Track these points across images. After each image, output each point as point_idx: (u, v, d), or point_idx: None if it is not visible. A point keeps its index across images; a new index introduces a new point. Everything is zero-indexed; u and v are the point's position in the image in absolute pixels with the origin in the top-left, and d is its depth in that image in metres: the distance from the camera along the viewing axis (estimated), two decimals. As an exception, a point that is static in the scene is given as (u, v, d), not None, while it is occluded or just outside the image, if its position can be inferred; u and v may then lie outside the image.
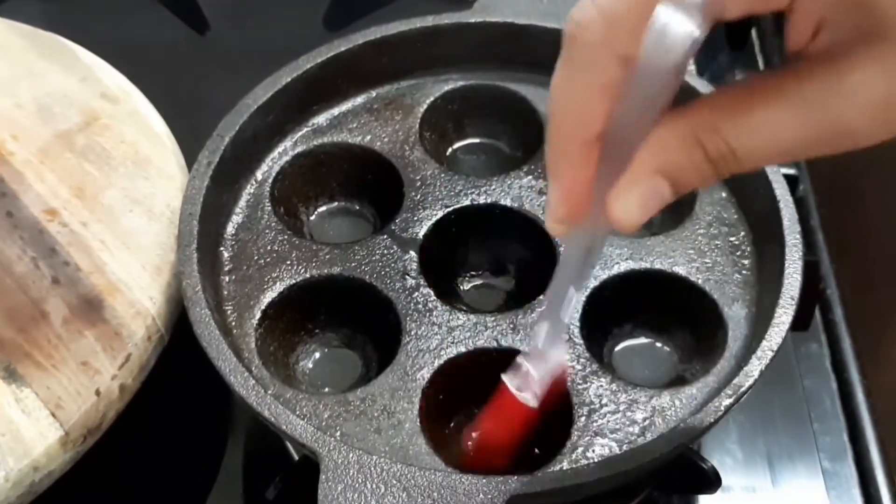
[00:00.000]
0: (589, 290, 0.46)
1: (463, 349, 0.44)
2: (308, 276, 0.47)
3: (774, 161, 0.28)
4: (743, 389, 0.40)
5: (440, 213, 0.49)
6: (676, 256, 0.47)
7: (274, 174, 0.51)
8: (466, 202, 0.50)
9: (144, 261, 0.48)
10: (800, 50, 0.28)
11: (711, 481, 0.46)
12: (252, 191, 0.51)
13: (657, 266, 0.47)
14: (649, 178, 0.28)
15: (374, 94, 0.55)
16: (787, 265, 0.44)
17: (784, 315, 0.42)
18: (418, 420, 0.42)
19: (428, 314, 0.45)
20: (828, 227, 0.59)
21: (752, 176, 0.47)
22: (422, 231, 0.49)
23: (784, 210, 0.46)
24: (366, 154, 0.52)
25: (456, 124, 0.55)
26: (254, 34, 0.70)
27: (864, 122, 0.27)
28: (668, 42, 0.26)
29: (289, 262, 0.47)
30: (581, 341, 0.44)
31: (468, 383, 0.43)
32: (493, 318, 0.45)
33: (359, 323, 0.47)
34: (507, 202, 0.50)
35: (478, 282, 0.51)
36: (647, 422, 0.42)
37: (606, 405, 0.43)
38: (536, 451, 0.42)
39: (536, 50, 0.52)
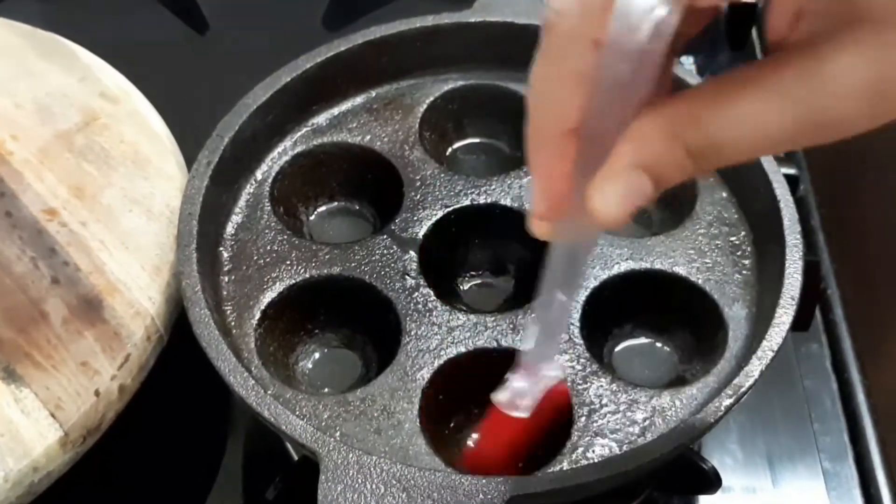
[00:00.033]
0: (589, 291, 0.46)
1: (463, 349, 0.44)
2: (308, 276, 0.47)
3: (757, 153, 0.28)
4: (743, 390, 0.40)
5: (440, 213, 0.49)
6: (677, 256, 0.47)
7: (273, 174, 0.51)
8: (466, 202, 0.50)
9: (144, 261, 0.48)
10: (780, 40, 0.28)
11: (712, 482, 0.46)
12: (252, 191, 0.51)
13: (657, 266, 0.47)
14: (629, 171, 0.28)
15: (373, 93, 0.55)
16: (787, 265, 0.44)
17: (784, 315, 0.42)
18: (418, 420, 0.42)
19: (428, 314, 0.45)
20: (828, 227, 0.59)
21: (753, 175, 0.47)
22: (422, 231, 0.49)
23: (784, 210, 0.46)
24: (365, 154, 0.52)
25: (456, 124, 0.55)
26: (253, 34, 0.70)
27: (848, 110, 0.26)
28: (633, 19, 0.25)
29: (288, 263, 0.47)
30: (581, 341, 0.44)
31: (468, 383, 0.43)
32: (493, 318, 0.45)
33: (358, 323, 0.47)
34: (507, 202, 0.49)
35: (478, 282, 0.51)
36: (648, 422, 0.42)
37: (606, 405, 0.42)
38: (538, 453, 0.42)
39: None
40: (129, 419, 0.45)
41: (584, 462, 0.41)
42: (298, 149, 0.52)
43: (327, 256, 0.48)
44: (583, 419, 0.42)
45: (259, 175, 0.51)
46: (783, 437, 0.51)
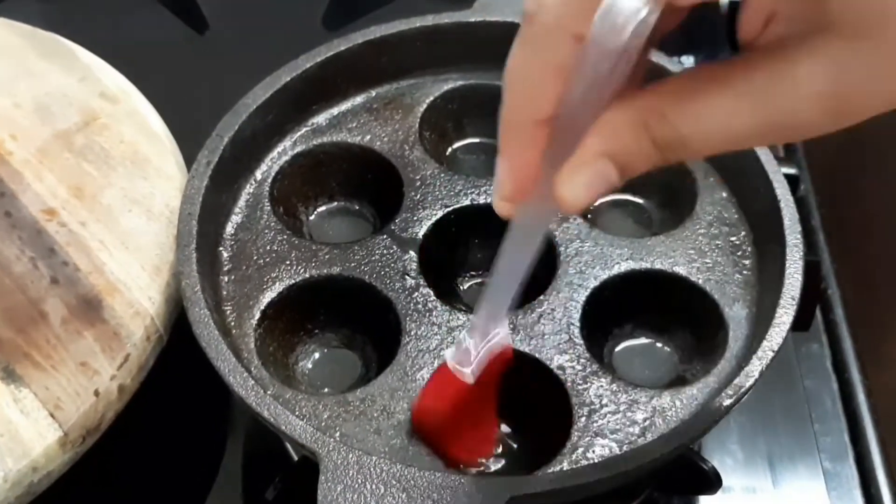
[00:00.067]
0: (589, 291, 0.46)
1: (463, 349, 0.44)
2: (307, 276, 0.47)
3: (722, 149, 0.28)
4: (744, 390, 0.40)
5: (440, 213, 0.49)
6: (677, 256, 0.47)
7: (273, 174, 0.51)
8: (466, 202, 0.50)
9: (143, 261, 0.48)
10: (751, 41, 0.28)
11: (712, 482, 0.46)
12: (251, 190, 0.50)
13: (657, 266, 0.47)
14: (596, 160, 0.29)
15: (373, 93, 0.54)
16: (787, 265, 0.44)
17: (785, 315, 0.42)
18: (417, 420, 0.42)
19: (428, 314, 0.45)
20: (829, 227, 0.59)
21: (753, 175, 0.47)
22: (421, 231, 0.48)
23: (785, 210, 0.46)
24: (365, 154, 0.52)
25: (456, 124, 0.55)
26: (253, 34, 0.70)
27: (811, 114, 0.27)
28: (616, 20, 0.26)
29: (288, 262, 0.47)
30: (581, 342, 0.44)
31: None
32: (492, 319, 0.45)
33: (358, 323, 0.47)
34: (507, 202, 0.49)
35: (478, 282, 0.51)
36: (648, 422, 0.42)
37: (607, 405, 0.42)
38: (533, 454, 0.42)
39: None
40: (128, 419, 0.45)
41: (584, 462, 0.41)
42: (298, 149, 0.52)
43: (327, 256, 0.48)
44: (583, 419, 0.42)
45: (259, 175, 0.51)
46: (784, 438, 0.51)
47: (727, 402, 0.40)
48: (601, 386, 0.43)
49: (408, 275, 0.47)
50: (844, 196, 0.66)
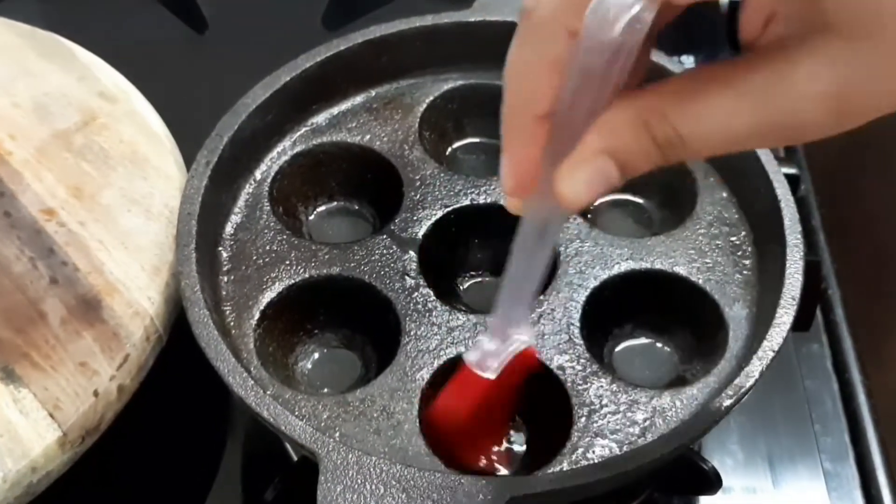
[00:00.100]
0: (589, 291, 0.46)
1: (463, 349, 0.44)
2: (307, 276, 0.47)
3: (722, 149, 0.28)
4: (744, 390, 0.40)
5: (440, 213, 0.49)
6: (677, 256, 0.47)
7: (273, 174, 0.51)
8: (466, 202, 0.50)
9: (143, 261, 0.48)
10: (752, 41, 0.28)
11: (712, 482, 0.46)
12: (251, 190, 0.50)
13: (658, 266, 0.47)
14: (596, 157, 0.29)
15: (373, 93, 0.54)
16: (788, 265, 0.44)
17: (785, 315, 0.42)
18: (418, 421, 0.42)
19: (427, 314, 0.45)
20: (829, 227, 0.59)
21: (753, 175, 0.47)
22: (421, 231, 0.48)
23: (785, 210, 0.46)
24: (365, 154, 0.52)
25: (455, 124, 0.55)
26: (253, 33, 0.70)
27: (812, 114, 0.27)
28: (608, 13, 0.26)
29: (288, 263, 0.47)
30: (581, 342, 0.44)
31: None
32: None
33: (358, 323, 0.47)
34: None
35: (478, 282, 0.51)
36: (648, 422, 0.42)
37: (607, 406, 0.42)
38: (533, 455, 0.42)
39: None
40: (127, 419, 0.45)
41: (584, 462, 0.41)
42: (298, 148, 0.52)
43: (327, 256, 0.48)
44: (583, 419, 0.42)
45: (258, 175, 0.51)
46: (784, 438, 0.51)
47: (727, 402, 0.40)
48: (601, 386, 0.43)
49: (407, 275, 0.47)
50: (845, 196, 0.66)
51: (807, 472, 0.50)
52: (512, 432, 0.44)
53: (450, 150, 0.55)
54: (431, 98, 0.54)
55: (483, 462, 0.42)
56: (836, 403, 0.52)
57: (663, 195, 0.51)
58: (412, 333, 0.45)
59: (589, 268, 0.47)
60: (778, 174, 0.47)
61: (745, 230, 0.48)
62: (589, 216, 0.51)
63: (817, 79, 0.26)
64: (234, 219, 0.49)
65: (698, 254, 0.47)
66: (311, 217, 0.52)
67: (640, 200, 0.52)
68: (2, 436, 0.41)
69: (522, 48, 0.29)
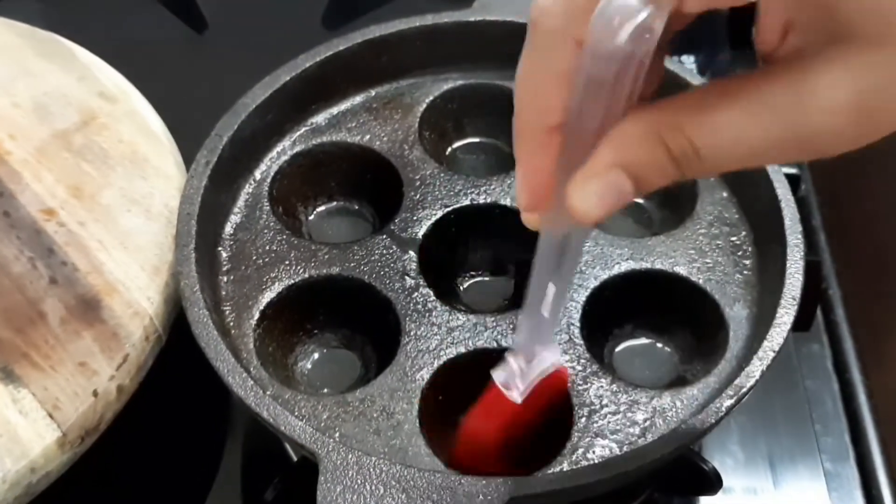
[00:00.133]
0: (589, 291, 0.46)
1: (463, 350, 0.44)
2: (307, 276, 0.47)
3: (740, 164, 0.28)
4: (744, 390, 0.40)
5: (440, 213, 0.49)
6: (677, 256, 0.47)
7: (272, 174, 0.51)
8: (466, 202, 0.50)
9: (142, 261, 0.48)
10: (770, 52, 0.28)
11: (712, 482, 0.45)
12: (250, 190, 0.50)
13: (658, 266, 0.47)
14: (609, 171, 0.28)
15: (373, 93, 0.54)
16: (788, 265, 0.44)
17: (785, 315, 0.42)
18: (417, 421, 0.42)
19: (427, 314, 0.45)
20: (830, 227, 0.59)
21: (754, 175, 0.47)
22: (421, 231, 0.48)
23: (785, 210, 0.46)
24: (365, 153, 0.52)
25: (455, 123, 0.55)
26: (252, 33, 0.70)
27: (832, 126, 0.26)
28: (612, 20, 0.25)
29: (287, 263, 0.47)
30: (581, 342, 0.44)
31: (468, 384, 0.43)
32: (493, 319, 0.45)
33: (358, 323, 0.47)
34: (506, 202, 0.49)
35: (478, 282, 0.51)
36: (648, 423, 0.42)
37: (607, 406, 0.42)
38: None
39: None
40: (127, 420, 0.45)
41: (584, 463, 0.41)
42: (297, 148, 0.52)
43: (326, 256, 0.48)
44: (583, 420, 0.42)
45: (258, 175, 0.51)
46: (784, 438, 0.51)
47: (728, 402, 0.40)
48: (601, 386, 0.43)
49: (407, 275, 0.47)
50: (845, 196, 0.66)
51: (807, 472, 0.50)
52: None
53: (450, 149, 0.55)
54: (431, 98, 0.54)
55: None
56: (837, 403, 0.52)
57: (663, 195, 0.51)
58: (412, 333, 0.45)
59: (589, 268, 0.47)
60: (778, 174, 0.47)
61: (745, 230, 0.48)
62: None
63: (837, 89, 0.25)
64: (234, 219, 0.49)
65: (698, 254, 0.47)
66: (311, 217, 0.52)
67: (640, 200, 0.52)
68: (1, 436, 0.41)
69: (530, 59, 0.29)
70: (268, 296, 0.46)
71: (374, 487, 0.37)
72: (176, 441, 0.51)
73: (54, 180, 0.51)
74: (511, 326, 0.45)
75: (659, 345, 0.47)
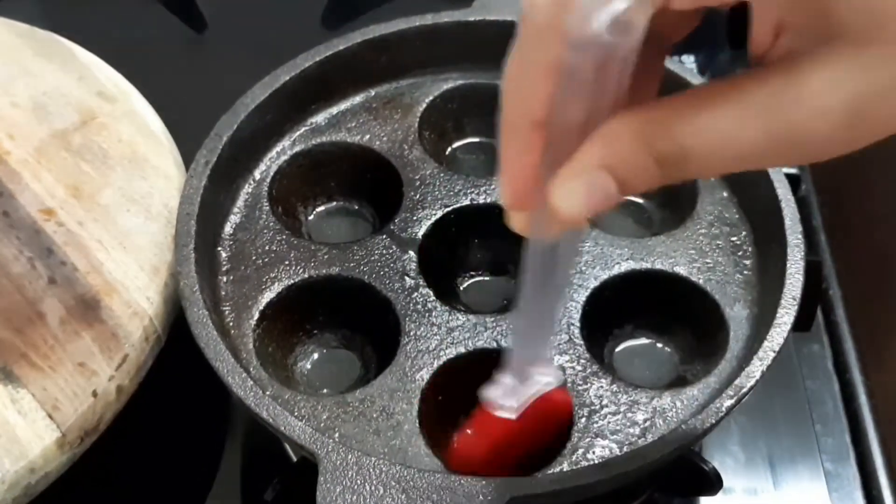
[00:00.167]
0: (589, 291, 0.46)
1: (462, 350, 0.44)
2: (306, 276, 0.47)
3: (727, 168, 0.27)
4: (744, 390, 0.40)
5: (439, 213, 0.49)
6: (677, 256, 0.47)
7: (272, 174, 0.51)
8: (466, 202, 0.50)
9: (142, 261, 0.47)
10: (762, 54, 0.27)
11: (713, 483, 0.45)
12: (250, 190, 0.50)
13: (658, 266, 0.47)
14: (594, 170, 0.27)
15: (372, 92, 0.54)
16: (788, 265, 0.44)
17: (786, 315, 0.42)
18: (417, 421, 0.42)
19: (427, 315, 0.45)
20: (830, 227, 0.59)
21: (754, 175, 0.47)
22: (421, 231, 0.48)
23: (786, 210, 0.46)
24: (364, 153, 0.52)
25: (455, 123, 0.55)
26: (252, 33, 0.70)
27: (823, 129, 0.25)
28: (591, 9, 0.25)
29: (287, 263, 0.47)
30: (581, 342, 0.44)
31: (468, 384, 0.43)
32: (492, 319, 0.45)
33: (357, 323, 0.47)
34: (506, 202, 0.49)
35: (477, 282, 0.50)
36: (648, 423, 0.42)
37: (607, 406, 0.42)
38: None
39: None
40: (126, 420, 0.45)
41: (584, 463, 0.41)
42: (297, 148, 0.52)
43: (326, 256, 0.47)
44: (583, 420, 0.42)
45: (257, 175, 0.51)
46: (785, 439, 0.50)
47: (728, 402, 0.40)
48: (601, 386, 0.43)
49: (407, 275, 0.47)
50: (846, 196, 0.66)
51: (808, 472, 0.50)
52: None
53: (449, 149, 0.55)
54: (431, 98, 0.54)
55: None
56: (837, 404, 0.52)
57: (663, 195, 0.51)
58: (412, 334, 0.45)
59: (589, 268, 0.47)
60: (779, 174, 0.47)
61: (745, 230, 0.48)
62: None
63: (829, 91, 0.25)
64: (234, 219, 0.49)
65: (699, 254, 0.47)
66: (311, 217, 0.52)
67: (640, 200, 0.52)
68: (0, 436, 0.41)
69: (518, 53, 0.28)
70: (267, 296, 0.46)
71: (373, 488, 0.37)
72: (175, 441, 0.50)
73: (53, 180, 0.50)
74: (511, 327, 0.45)
75: (659, 345, 0.47)
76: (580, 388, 0.43)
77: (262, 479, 0.48)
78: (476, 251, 0.50)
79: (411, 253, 0.47)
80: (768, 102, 0.26)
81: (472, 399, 0.42)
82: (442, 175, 0.51)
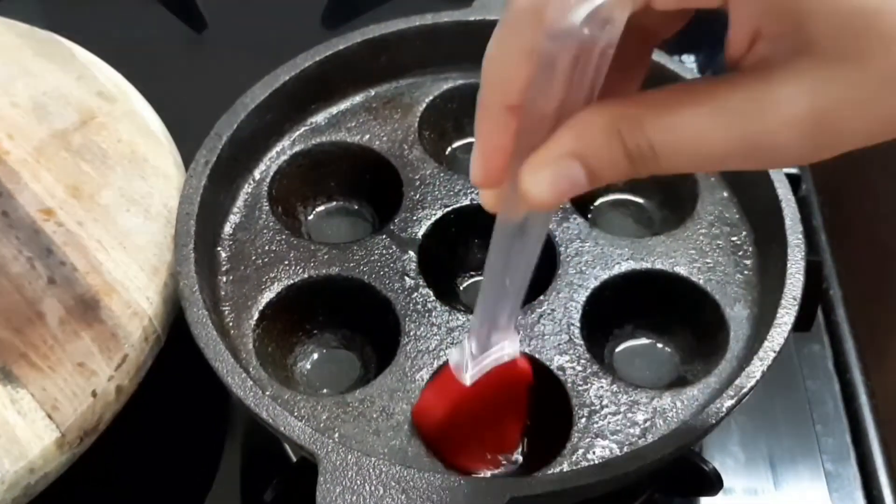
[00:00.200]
0: (589, 291, 0.46)
1: (462, 350, 0.44)
2: (306, 276, 0.47)
3: (693, 167, 0.28)
4: (745, 391, 0.40)
5: (439, 213, 0.49)
6: (678, 256, 0.47)
7: (272, 173, 0.51)
8: (466, 202, 0.49)
9: (141, 261, 0.47)
10: (737, 60, 0.28)
11: (713, 483, 0.45)
12: (250, 190, 0.50)
13: (658, 266, 0.47)
14: (564, 158, 0.28)
15: (372, 92, 0.54)
16: (789, 265, 0.44)
17: (786, 316, 0.42)
18: (417, 422, 0.42)
19: (427, 315, 0.45)
20: (830, 227, 0.59)
21: (754, 175, 0.47)
22: (421, 231, 0.48)
23: (786, 210, 0.45)
24: (364, 153, 0.52)
25: (455, 123, 0.55)
26: (252, 32, 0.70)
27: (786, 138, 0.26)
28: (570, 6, 0.25)
29: (287, 263, 0.47)
30: (581, 342, 0.44)
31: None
32: (492, 319, 0.45)
33: (357, 324, 0.47)
34: (506, 202, 0.49)
35: (477, 282, 0.50)
36: (648, 423, 0.42)
37: (607, 406, 0.42)
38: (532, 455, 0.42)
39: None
40: (126, 420, 0.45)
41: (584, 463, 0.41)
42: (297, 148, 0.52)
43: (326, 256, 0.47)
44: (583, 420, 0.42)
45: (257, 174, 0.51)
46: (785, 439, 0.50)
47: (728, 403, 0.40)
48: (601, 387, 0.43)
49: (407, 275, 0.47)
50: (846, 196, 0.66)
51: (808, 472, 0.50)
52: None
53: (449, 149, 0.55)
54: (431, 97, 0.54)
55: (478, 464, 0.42)
56: (838, 404, 0.52)
57: (664, 195, 0.51)
58: (412, 334, 0.44)
59: (589, 268, 0.47)
60: (779, 174, 0.47)
61: (746, 230, 0.48)
62: (589, 216, 0.51)
63: (795, 102, 0.26)
64: (233, 219, 0.49)
65: (699, 254, 0.47)
66: (311, 217, 0.52)
67: (640, 200, 0.52)
68: (0, 437, 0.41)
69: (499, 36, 0.29)
70: (267, 296, 0.46)
71: (373, 488, 0.37)
72: (175, 442, 0.50)
73: (53, 180, 0.50)
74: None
75: (659, 345, 0.47)
76: (580, 388, 0.43)
77: (262, 480, 0.48)
78: (476, 251, 0.50)
79: (411, 253, 0.47)
80: (739, 108, 0.26)
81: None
82: (442, 175, 0.50)
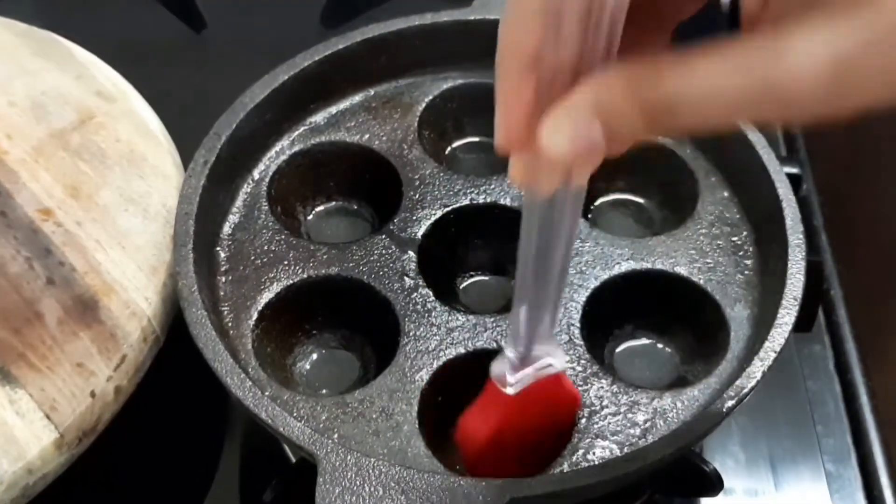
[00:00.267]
0: (589, 291, 0.46)
1: (462, 350, 0.44)
2: (305, 276, 0.47)
3: (711, 119, 0.28)
4: (745, 391, 0.40)
5: (439, 213, 0.49)
6: (678, 256, 0.47)
7: (271, 173, 0.51)
8: (466, 201, 0.49)
9: (140, 261, 0.47)
10: (751, 20, 0.28)
11: (713, 484, 0.45)
12: (249, 190, 0.50)
13: (658, 266, 0.47)
14: (585, 113, 0.28)
15: (372, 92, 0.54)
16: (790, 265, 0.43)
17: (787, 316, 0.42)
18: (417, 422, 0.42)
19: (427, 315, 0.45)
20: (831, 227, 0.59)
21: (755, 175, 0.47)
22: (421, 231, 0.48)
23: (787, 209, 0.45)
24: (364, 153, 0.52)
25: (455, 123, 0.55)
26: (251, 32, 0.70)
27: (803, 87, 0.26)
28: None
29: (286, 263, 0.47)
30: (582, 342, 0.44)
31: (467, 385, 0.43)
32: (492, 319, 0.45)
33: (357, 324, 0.47)
34: (506, 201, 0.49)
35: (477, 282, 0.50)
36: (649, 424, 0.42)
37: (607, 407, 0.42)
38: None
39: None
40: (125, 421, 0.45)
41: (584, 464, 0.40)
42: (296, 148, 0.52)
43: (325, 257, 0.47)
44: (583, 421, 0.42)
45: (256, 174, 0.51)
46: (786, 439, 0.50)
47: (729, 403, 0.40)
48: (602, 387, 0.43)
49: (407, 275, 0.46)
50: (847, 196, 0.66)
51: (809, 473, 0.49)
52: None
53: (449, 149, 0.55)
54: (431, 97, 0.54)
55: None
56: (839, 404, 0.52)
57: (664, 195, 0.51)
58: (411, 334, 0.44)
59: (589, 268, 0.46)
60: (780, 174, 0.47)
61: (746, 230, 0.48)
62: (589, 216, 0.51)
63: (812, 50, 0.26)
64: (232, 219, 0.49)
65: (699, 254, 0.47)
66: (310, 217, 0.52)
67: (640, 200, 0.52)
68: (-2, 437, 0.41)
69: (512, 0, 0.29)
70: (266, 296, 0.46)
71: (373, 489, 0.37)
72: (174, 442, 0.50)
73: (51, 180, 0.50)
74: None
75: (659, 345, 0.47)
76: (580, 388, 0.43)
77: (261, 480, 0.48)
78: (476, 251, 0.50)
79: (411, 253, 0.47)
80: (755, 55, 0.27)
81: (471, 400, 0.42)
82: (441, 175, 0.50)
